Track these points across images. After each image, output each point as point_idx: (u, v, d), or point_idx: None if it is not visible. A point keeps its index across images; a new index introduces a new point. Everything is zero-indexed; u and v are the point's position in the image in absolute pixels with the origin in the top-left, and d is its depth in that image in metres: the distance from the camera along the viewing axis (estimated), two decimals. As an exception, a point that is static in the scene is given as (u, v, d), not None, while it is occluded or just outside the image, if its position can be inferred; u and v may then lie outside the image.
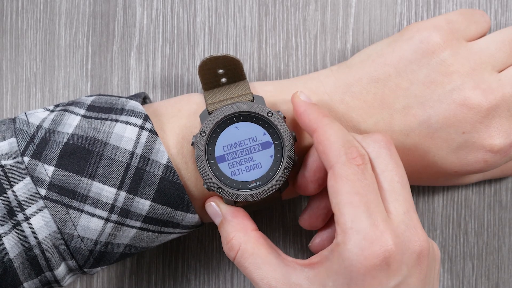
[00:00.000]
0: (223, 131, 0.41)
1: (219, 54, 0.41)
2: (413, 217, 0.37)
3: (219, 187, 0.40)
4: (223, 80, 0.43)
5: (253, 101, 0.42)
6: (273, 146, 0.41)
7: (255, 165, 0.41)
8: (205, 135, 0.40)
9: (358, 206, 0.36)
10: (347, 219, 0.36)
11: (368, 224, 0.35)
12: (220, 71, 0.42)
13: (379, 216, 0.36)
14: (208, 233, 0.51)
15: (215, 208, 0.41)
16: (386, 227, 0.35)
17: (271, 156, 0.41)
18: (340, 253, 0.36)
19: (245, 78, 0.43)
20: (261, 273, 0.38)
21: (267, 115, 0.41)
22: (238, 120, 0.41)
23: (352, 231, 0.35)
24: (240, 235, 0.40)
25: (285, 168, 0.40)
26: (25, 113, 0.42)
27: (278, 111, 0.41)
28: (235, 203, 0.42)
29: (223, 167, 0.41)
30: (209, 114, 0.41)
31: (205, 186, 0.40)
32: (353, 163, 0.37)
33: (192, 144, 0.40)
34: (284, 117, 0.41)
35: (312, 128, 0.39)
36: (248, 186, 0.41)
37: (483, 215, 0.51)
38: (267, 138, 0.41)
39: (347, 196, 0.36)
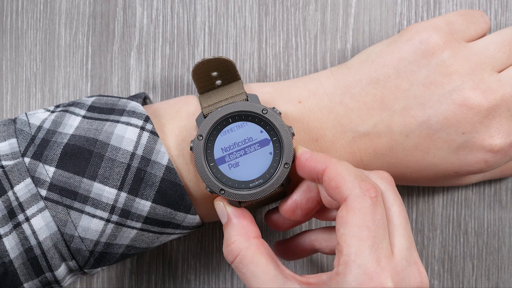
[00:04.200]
0: (220, 133, 0.41)
1: (211, 57, 0.41)
2: (414, 253, 0.38)
3: (221, 189, 0.40)
4: (218, 82, 0.43)
5: (248, 100, 0.42)
6: (271, 143, 0.41)
7: (255, 164, 0.41)
8: (202, 139, 0.40)
9: (365, 241, 0.36)
10: (351, 251, 0.36)
11: (371, 259, 0.35)
12: (214, 73, 0.42)
13: (382, 252, 0.36)
14: (208, 233, 0.51)
15: (222, 208, 0.41)
16: (388, 264, 0.36)
17: (270, 153, 0.41)
18: (338, 283, 0.36)
19: (240, 78, 0.43)
20: (257, 282, 0.38)
21: (262, 112, 0.41)
22: (234, 121, 0.41)
23: (354, 264, 0.35)
24: (242, 240, 0.40)
25: (286, 163, 0.40)
26: (26, 114, 0.42)
27: (273, 108, 0.41)
28: (240, 203, 0.42)
29: (224, 168, 0.41)
30: (205, 117, 0.41)
31: (208, 189, 0.40)
32: (367, 195, 0.37)
33: (191, 148, 0.40)
34: (280, 113, 0.41)
35: (322, 168, 0.39)
36: (250, 185, 0.41)
37: (483, 215, 0.51)
38: (265, 135, 0.41)
39: (356, 229, 0.36)
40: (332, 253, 0.44)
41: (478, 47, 0.43)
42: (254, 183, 0.41)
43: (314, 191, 0.41)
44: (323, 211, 0.43)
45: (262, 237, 0.41)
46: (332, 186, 0.38)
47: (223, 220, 0.41)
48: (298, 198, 0.42)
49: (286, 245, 0.47)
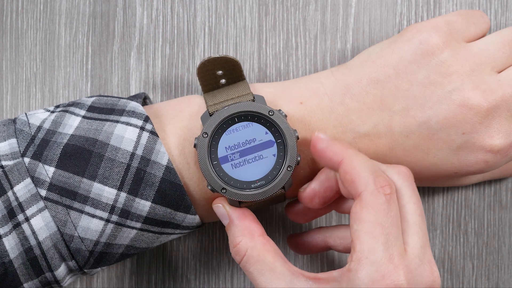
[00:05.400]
0: (225, 132, 0.41)
1: (217, 55, 0.41)
2: (428, 252, 0.38)
3: (223, 188, 0.40)
4: (223, 81, 0.43)
5: (254, 101, 0.42)
6: (275, 144, 0.41)
7: (258, 165, 0.41)
8: (207, 137, 0.40)
9: (378, 238, 0.36)
10: (364, 248, 0.36)
11: (384, 257, 0.36)
12: (219, 72, 0.42)
13: (396, 250, 0.36)
14: (208, 233, 0.51)
15: (222, 210, 0.41)
16: (401, 262, 0.36)
17: (274, 155, 0.41)
18: (350, 279, 0.36)
19: (245, 79, 0.43)
20: (265, 280, 0.38)
21: (269, 114, 0.41)
22: (240, 120, 0.41)
23: (366, 261, 0.36)
24: (247, 240, 0.40)
25: (289, 166, 0.40)
26: (26, 114, 0.42)
27: (279, 110, 0.41)
28: (240, 203, 0.42)
29: (226, 167, 0.41)
30: (210, 116, 0.41)
31: (209, 187, 0.40)
32: (381, 192, 0.37)
33: (195, 146, 0.40)
34: (286, 116, 0.41)
35: (338, 160, 0.39)
36: (252, 185, 0.41)
37: (483, 215, 0.51)
38: (269, 137, 0.41)
39: (369, 225, 0.36)
40: (346, 251, 0.44)
41: (478, 47, 0.43)
42: (256, 184, 0.41)
43: (333, 180, 0.41)
44: (341, 202, 0.43)
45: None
46: (347, 180, 0.38)
47: (225, 222, 0.41)
48: (316, 187, 0.42)
49: (300, 239, 0.47)
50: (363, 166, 0.38)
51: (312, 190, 0.42)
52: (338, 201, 0.43)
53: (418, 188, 0.51)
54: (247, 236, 0.40)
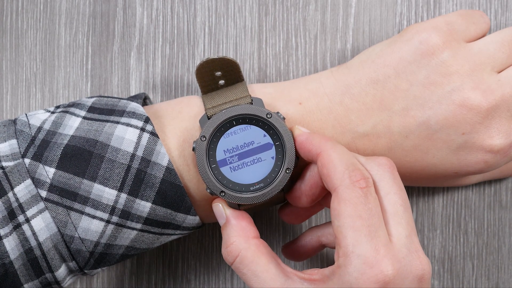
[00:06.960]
0: (223, 135, 0.41)
1: (216, 56, 0.41)
2: (414, 240, 0.38)
3: (222, 191, 0.40)
4: (221, 82, 0.42)
5: (252, 104, 0.42)
6: (274, 147, 0.41)
7: (256, 167, 0.41)
8: (205, 140, 0.40)
9: (360, 230, 0.36)
10: (349, 242, 0.36)
11: (369, 248, 0.35)
12: (218, 73, 0.42)
13: (380, 240, 0.36)
14: (208, 233, 0.51)
15: (221, 209, 0.41)
16: (387, 252, 0.36)
17: (272, 158, 0.41)
18: (341, 276, 0.36)
19: (243, 80, 0.43)
20: (259, 281, 0.38)
21: (267, 116, 0.41)
22: (238, 123, 0.41)
23: (353, 255, 0.36)
24: (241, 241, 0.40)
25: (287, 168, 0.40)
26: (26, 115, 0.42)
27: (277, 112, 0.41)
28: (239, 206, 0.42)
29: (225, 170, 0.41)
30: (208, 119, 0.41)
31: (208, 190, 0.40)
32: (357, 186, 0.37)
33: (193, 149, 0.40)
34: (284, 118, 0.41)
35: (316, 153, 0.39)
36: (251, 188, 0.41)
37: (483, 215, 0.51)
38: (268, 139, 0.41)
39: (349, 220, 0.36)
40: None
41: (478, 47, 0.43)
42: (254, 187, 0.41)
43: (317, 177, 0.41)
44: (330, 197, 0.43)
45: (262, 239, 0.41)
46: (324, 174, 0.38)
47: (221, 222, 0.41)
48: (302, 185, 0.42)
49: (294, 246, 0.47)
50: (339, 160, 0.38)
51: (298, 189, 0.42)
52: (327, 196, 0.43)
53: (418, 187, 0.51)
54: (242, 237, 0.40)
